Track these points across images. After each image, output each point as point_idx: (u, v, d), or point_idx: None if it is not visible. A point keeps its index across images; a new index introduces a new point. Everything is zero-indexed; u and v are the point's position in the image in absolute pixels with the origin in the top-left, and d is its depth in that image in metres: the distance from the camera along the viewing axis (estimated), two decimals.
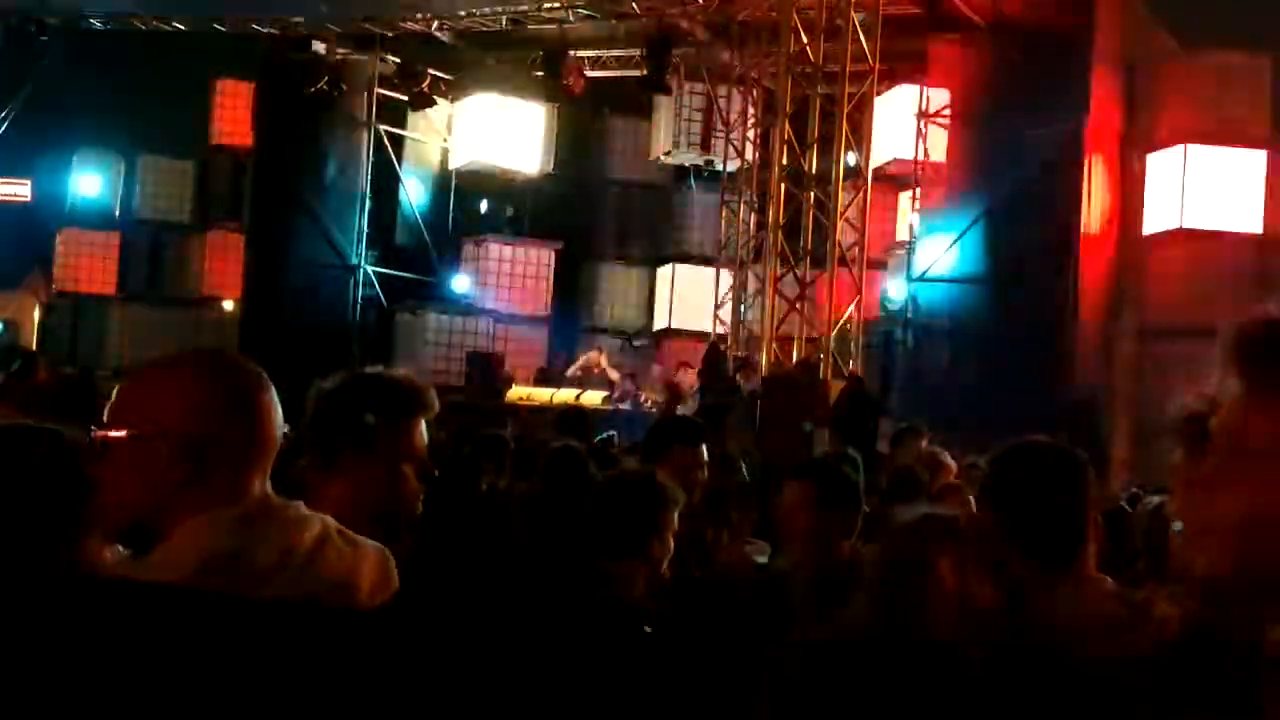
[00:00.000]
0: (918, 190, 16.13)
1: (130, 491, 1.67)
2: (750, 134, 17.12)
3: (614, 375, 17.22)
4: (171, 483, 1.65)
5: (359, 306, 18.50)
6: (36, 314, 20.62)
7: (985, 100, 14.60)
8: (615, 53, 18.57)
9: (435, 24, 17.80)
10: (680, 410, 15.02)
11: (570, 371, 17.07)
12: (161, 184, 20.77)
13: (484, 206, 19.86)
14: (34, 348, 17.58)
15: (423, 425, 2.22)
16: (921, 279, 15.56)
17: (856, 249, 13.23)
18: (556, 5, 17.06)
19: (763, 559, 3.94)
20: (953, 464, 5.45)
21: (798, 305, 13.08)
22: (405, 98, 18.77)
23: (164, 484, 1.65)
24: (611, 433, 7.01)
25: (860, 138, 13.45)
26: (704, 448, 4.26)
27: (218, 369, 1.76)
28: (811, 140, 13.18)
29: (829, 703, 2.03)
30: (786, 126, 13.31)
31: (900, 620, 2.14)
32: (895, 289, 16.60)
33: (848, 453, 4.69)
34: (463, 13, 17.52)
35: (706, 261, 18.80)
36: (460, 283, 19.17)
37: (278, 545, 1.65)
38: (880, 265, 16.88)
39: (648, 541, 3.00)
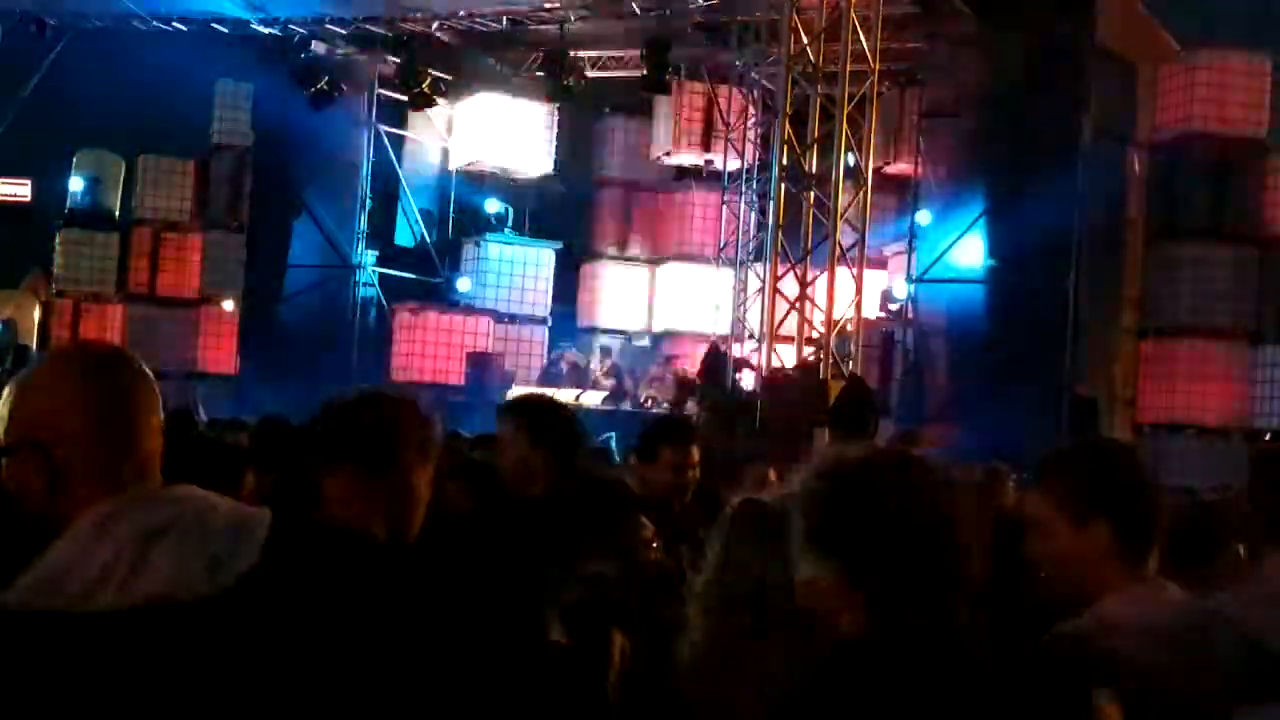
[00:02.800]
0: (918, 190, 16.13)
1: (27, 503, 1.72)
2: (750, 134, 17.11)
3: (598, 374, 17.26)
4: (38, 493, 1.69)
5: (359, 306, 18.51)
6: (36, 314, 20.61)
7: (985, 100, 14.61)
8: (615, 53, 18.57)
9: (435, 24, 17.80)
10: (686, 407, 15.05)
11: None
12: (161, 184, 20.71)
13: (484, 207, 19.85)
14: (34, 348, 17.58)
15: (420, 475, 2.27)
16: (921, 279, 15.56)
17: (856, 249, 13.23)
18: (557, 5, 17.06)
19: None
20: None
21: (798, 305, 13.08)
22: (405, 98, 18.77)
23: (34, 495, 1.70)
24: (610, 435, 7.00)
25: (860, 138, 13.45)
26: (695, 447, 4.26)
27: (80, 371, 1.77)
28: (811, 140, 13.19)
29: None
30: (786, 126, 13.31)
31: None
32: (895, 289, 16.60)
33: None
34: (463, 13, 17.52)
35: (706, 261, 18.80)
36: (460, 283, 19.17)
37: (102, 558, 1.63)
38: (880, 265, 16.88)
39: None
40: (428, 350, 18.09)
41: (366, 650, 1.65)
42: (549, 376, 17.87)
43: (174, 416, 6.46)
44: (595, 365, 18.06)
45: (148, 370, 1.83)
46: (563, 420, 3.63)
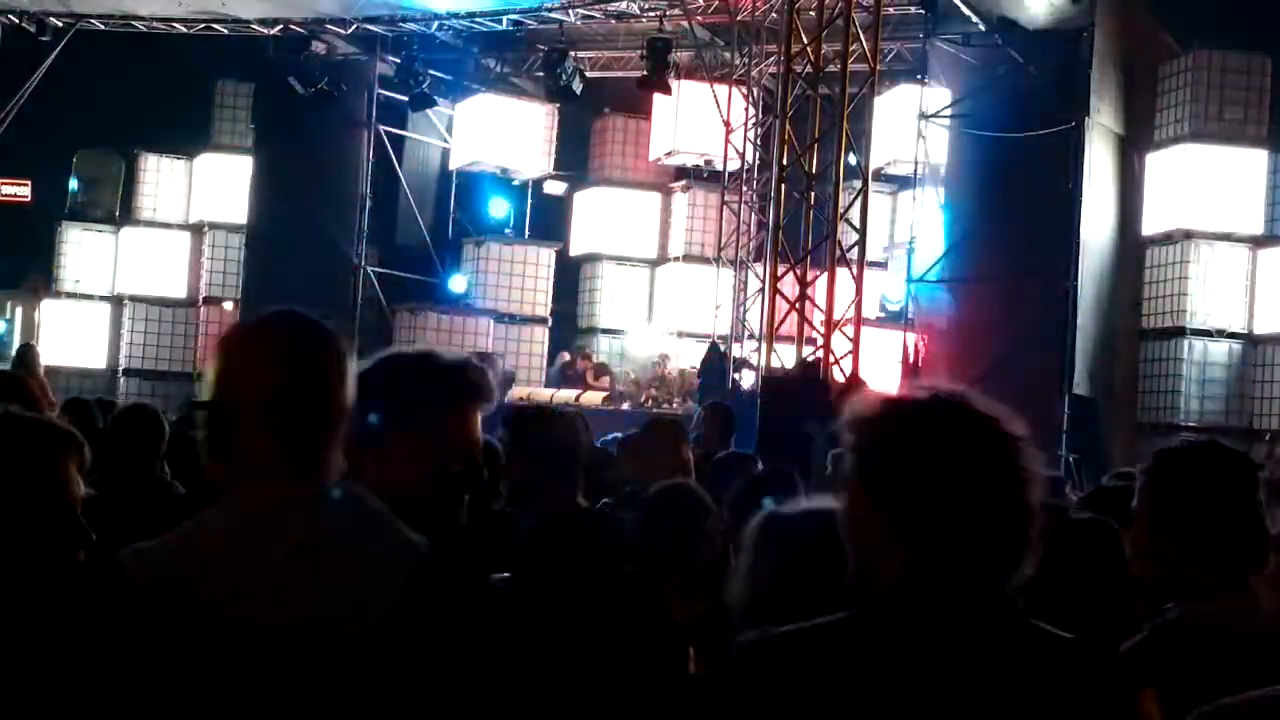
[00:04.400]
0: (918, 190, 16.12)
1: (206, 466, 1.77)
2: (750, 134, 17.11)
3: (590, 375, 17.27)
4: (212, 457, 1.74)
5: (359, 306, 18.49)
6: (37, 314, 20.61)
7: (985, 100, 14.60)
8: (615, 53, 18.57)
9: (435, 24, 17.80)
10: (680, 408, 15.04)
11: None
12: (161, 184, 20.73)
13: (484, 207, 19.84)
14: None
15: (474, 418, 2.09)
16: (921, 280, 15.54)
17: (857, 250, 13.21)
18: (556, 6, 17.06)
19: None
20: None
21: (798, 305, 13.06)
22: (405, 98, 18.76)
23: (210, 458, 1.74)
24: (616, 435, 6.98)
25: (861, 138, 13.43)
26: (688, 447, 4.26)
27: (277, 340, 1.73)
28: (811, 140, 13.15)
29: None
30: (786, 126, 13.28)
31: None
32: (895, 289, 16.59)
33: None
34: (463, 13, 17.52)
35: (706, 262, 18.80)
36: (460, 283, 19.17)
37: (253, 560, 1.63)
38: (880, 266, 16.86)
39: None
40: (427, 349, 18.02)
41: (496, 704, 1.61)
42: (549, 377, 17.87)
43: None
44: (595, 365, 18.05)
45: (343, 344, 1.72)
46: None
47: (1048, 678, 1.61)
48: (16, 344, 17.01)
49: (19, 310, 21.24)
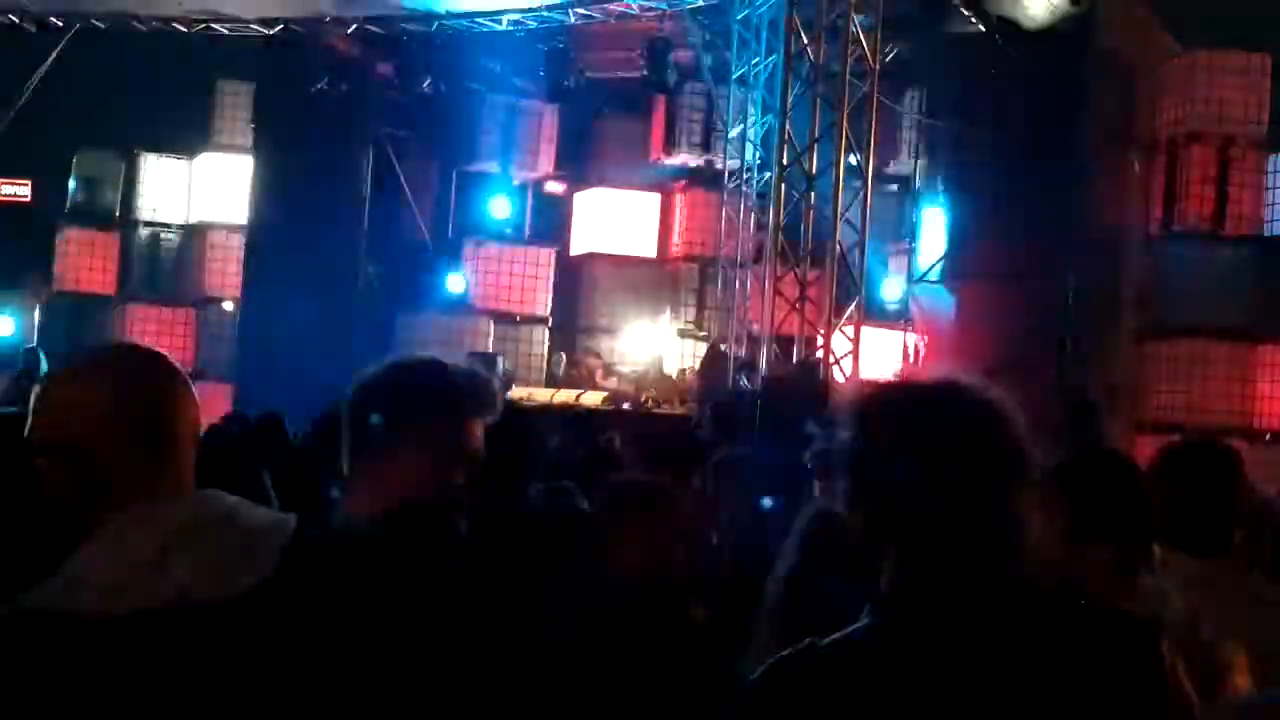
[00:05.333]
0: (918, 191, 16.12)
1: (60, 504, 1.77)
2: (750, 134, 17.10)
3: (598, 375, 17.29)
4: (71, 494, 1.74)
5: (359, 307, 18.46)
6: (36, 314, 20.60)
7: (986, 100, 14.59)
8: (615, 53, 18.56)
9: (435, 24, 17.79)
10: (681, 408, 15.06)
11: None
12: (162, 184, 20.73)
13: (484, 207, 19.83)
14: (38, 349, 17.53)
15: (475, 429, 2.09)
16: (922, 279, 15.54)
17: (857, 250, 13.21)
18: (556, 6, 17.06)
19: None
20: None
21: (798, 306, 13.07)
22: (406, 98, 18.74)
23: (67, 497, 1.74)
24: (612, 434, 6.99)
25: (861, 138, 13.42)
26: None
27: (116, 372, 1.81)
28: (811, 141, 13.15)
29: None
30: (787, 127, 13.29)
31: None
32: (896, 289, 16.59)
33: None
34: (463, 13, 17.52)
35: (707, 262, 18.78)
36: (457, 282, 19.13)
37: (125, 562, 1.66)
38: (881, 266, 16.85)
39: None
40: (427, 351, 17.95)
41: (374, 661, 1.65)
42: (550, 377, 17.87)
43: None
44: (596, 365, 18.06)
45: (184, 374, 1.82)
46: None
47: (1084, 654, 1.51)
48: (25, 347, 17.01)
49: (19, 311, 21.23)
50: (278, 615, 1.60)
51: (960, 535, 1.53)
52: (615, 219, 19.87)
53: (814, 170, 13.09)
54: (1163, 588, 2.29)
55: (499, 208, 19.75)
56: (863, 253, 13.29)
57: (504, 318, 19.25)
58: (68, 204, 20.74)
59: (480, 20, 17.62)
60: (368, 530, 1.91)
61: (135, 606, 1.58)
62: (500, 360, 16.46)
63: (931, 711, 1.48)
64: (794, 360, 13.20)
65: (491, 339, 18.78)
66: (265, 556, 1.65)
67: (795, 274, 13.12)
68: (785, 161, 13.20)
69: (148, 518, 1.67)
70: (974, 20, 14.59)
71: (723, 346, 16.40)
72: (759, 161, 16.63)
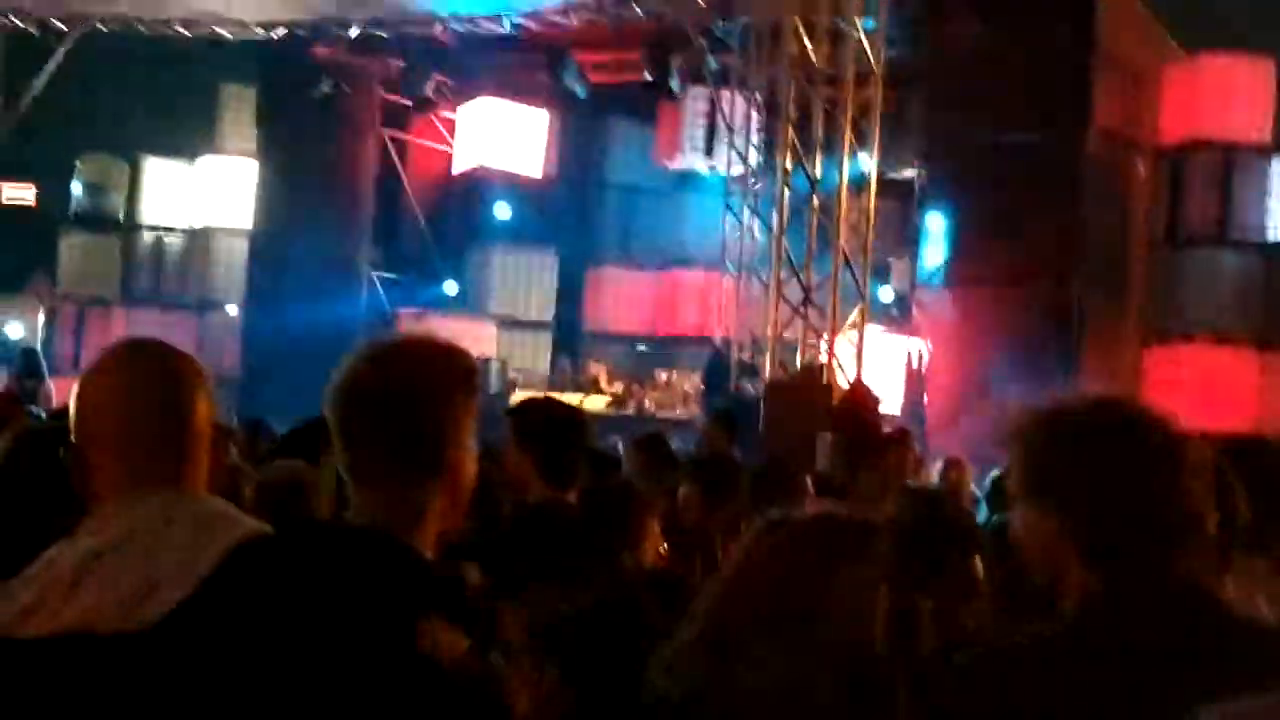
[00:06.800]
0: (922, 195, 16.07)
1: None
2: (754, 138, 17.07)
3: (604, 379, 17.26)
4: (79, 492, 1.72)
5: (362, 311, 18.47)
6: (40, 318, 20.62)
7: (989, 102, 14.56)
8: (618, 56, 18.55)
9: (439, 28, 17.80)
10: (683, 414, 15.04)
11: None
12: (166, 188, 20.74)
13: (488, 211, 19.83)
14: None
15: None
16: (926, 284, 15.50)
17: (861, 254, 13.19)
18: (558, 8, 17.06)
19: None
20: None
21: (801, 310, 13.04)
22: (409, 102, 18.75)
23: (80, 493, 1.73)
24: (617, 440, 6.98)
25: (865, 141, 13.40)
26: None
27: (118, 369, 1.79)
28: (815, 144, 13.13)
29: None
30: (790, 131, 13.26)
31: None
32: (896, 295, 16.55)
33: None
34: (466, 16, 17.52)
35: (710, 267, 18.77)
36: (447, 285, 19.10)
37: (48, 578, 1.60)
38: (885, 270, 16.80)
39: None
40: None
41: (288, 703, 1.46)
42: (553, 383, 17.84)
43: None
44: (599, 371, 18.04)
45: (201, 371, 1.80)
46: (553, 420, 3.37)
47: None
48: (23, 348, 17.01)
49: (22, 314, 21.24)
50: (177, 652, 1.45)
51: (1158, 551, 1.60)
52: (618, 223, 19.88)
53: (818, 174, 13.07)
54: (1251, 595, 2.22)
55: (502, 211, 19.75)
56: (867, 257, 13.26)
57: (507, 322, 19.23)
58: (72, 208, 20.76)
59: (483, 22, 17.62)
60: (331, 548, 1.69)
61: (37, 632, 1.51)
62: (495, 364, 16.46)
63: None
64: (797, 366, 13.18)
65: (496, 344, 18.75)
66: (187, 577, 1.51)
67: (799, 279, 13.10)
68: (789, 165, 13.18)
69: (85, 527, 1.61)
70: (978, 23, 14.57)
71: (725, 353, 16.37)
72: (762, 165, 16.60)
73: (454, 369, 1.78)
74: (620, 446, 6.65)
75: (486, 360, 16.74)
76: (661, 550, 3.35)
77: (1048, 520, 1.64)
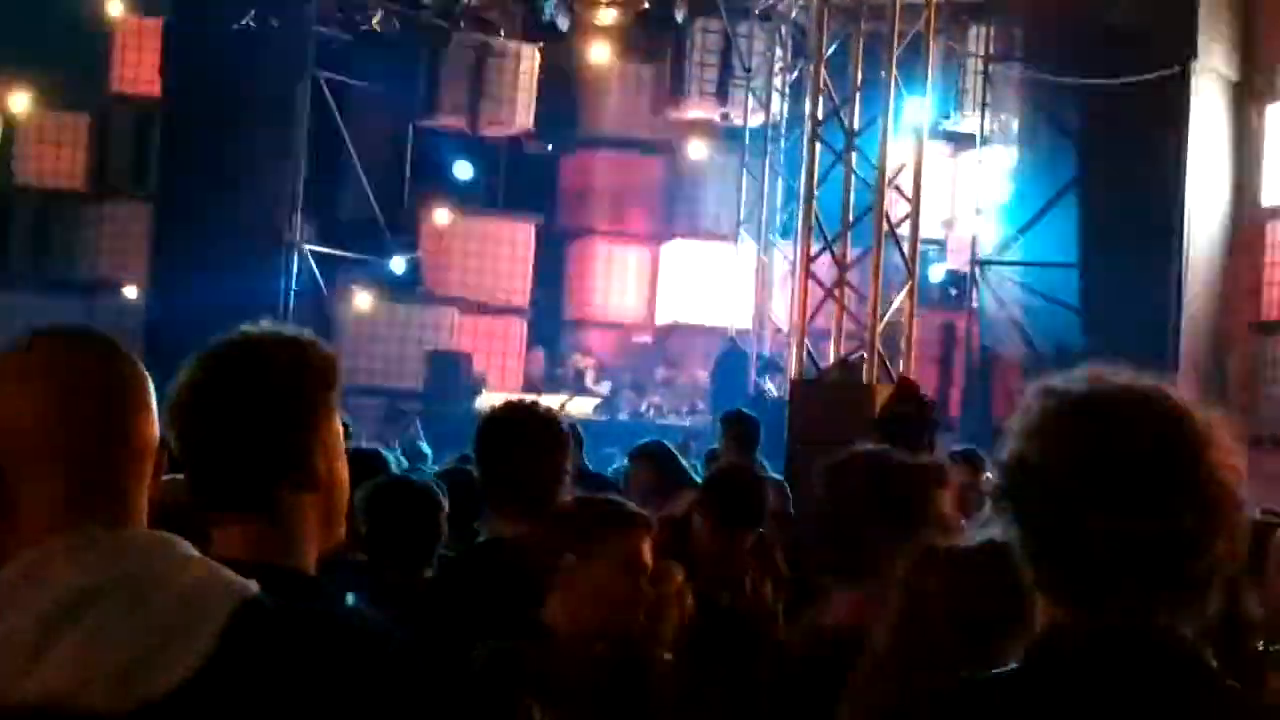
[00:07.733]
0: (985, 152, 16.10)
1: None
2: (777, 82, 17.09)
3: (590, 376, 17.36)
4: None
5: (291, 293, 18.43)
6: None
7: (1069, 41, 14.54)
8: None
9: None
10: (689, 418, 15.04)
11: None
12: (48, 144, 20.72)
13: (448, 170, 19.82)
14: None
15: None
16: (990, 262, 15.54)
17: (908, 224, 13.16)
18: None
19: None
20: None
21: (835, 293, 13.03)
22: (350, 37, 18.71)
23: None
24: (613, 451, 7.02)
25: (914, 86, 13.39)
26: None
27: (38, 366, 1.72)
28: (853, 90, 13.14)
29: None
30: (822, 72, 13.27)
31: None
32: (957, 273, 16.61)
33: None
34: None
35: (722, 239, 18.80)
36: (394, 263, 19.06)
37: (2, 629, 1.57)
38: (939, 244, 16.82)
39: None
40: (377, 348, 18.05)
41: None
42: (528, 380, 17.88)
43: None
44: (585, 366, 18.10)
45: (138, 365, 1.72)
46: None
47: None
48: None
49: None
50: None
51: (1132, 586, 1.61)
52: (611, 185, 19.98)
53: (856, 126, 13.06)
54: None
55: (464, 171, 19.75)
56: (915, 227, 13.25)
57: (473, 308, 19.22)
58: None
59: None
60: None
61: None
62: (464, 361, 16.45)
63: None
64: (831, 360, 13.18)
65: (458, 334, 18.76)
66: (185, 650, 1.52)
67: (832, 253, 13.09)
68: (820, 115, 13.17)
69: (42, 569, 1.56)
70: None
71: (741, 344, 16.41)
72: (788, 115, 16.61)
73: (309, 363, 1.88)
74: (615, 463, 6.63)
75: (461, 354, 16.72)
76: (678, 581, 3.59)
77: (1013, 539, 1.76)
